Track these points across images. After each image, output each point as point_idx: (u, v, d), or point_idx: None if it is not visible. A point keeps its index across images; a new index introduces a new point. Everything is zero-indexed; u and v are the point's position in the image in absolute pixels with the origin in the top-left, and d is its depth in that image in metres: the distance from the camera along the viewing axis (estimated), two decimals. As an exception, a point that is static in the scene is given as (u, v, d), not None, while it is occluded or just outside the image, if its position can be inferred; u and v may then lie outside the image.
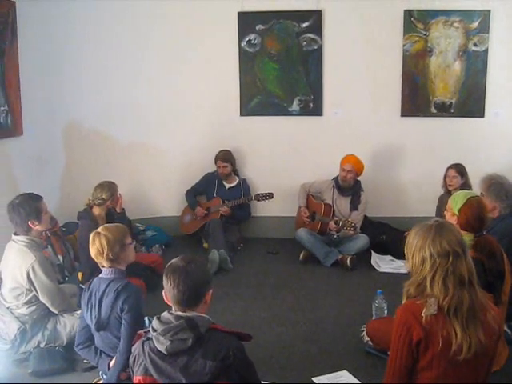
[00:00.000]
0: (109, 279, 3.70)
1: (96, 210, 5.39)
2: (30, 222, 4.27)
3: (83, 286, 5.05)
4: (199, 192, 7.10)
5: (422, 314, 2.57)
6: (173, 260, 2.79)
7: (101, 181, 5.51)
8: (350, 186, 6.50)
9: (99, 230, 3.73)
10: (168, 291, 2.72)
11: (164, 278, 2.74)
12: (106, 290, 3.66)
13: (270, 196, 6.68)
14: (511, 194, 4.63)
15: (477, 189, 5.04)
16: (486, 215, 3.87)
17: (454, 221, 3.78)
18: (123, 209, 5.68)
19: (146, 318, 3.86)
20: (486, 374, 2.71)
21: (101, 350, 3.78)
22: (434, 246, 2.62)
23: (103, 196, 5.39)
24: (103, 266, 3.73)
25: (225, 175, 6.93)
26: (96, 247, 3.66)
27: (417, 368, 2.64)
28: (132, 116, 6.93)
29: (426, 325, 2.56)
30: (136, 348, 2.75)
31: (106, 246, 3.64)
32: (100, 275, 3.76)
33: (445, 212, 4.01)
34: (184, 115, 7.06)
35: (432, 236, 2.64)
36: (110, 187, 5.45)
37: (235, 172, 7.08)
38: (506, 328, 4.10)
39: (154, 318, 2.74)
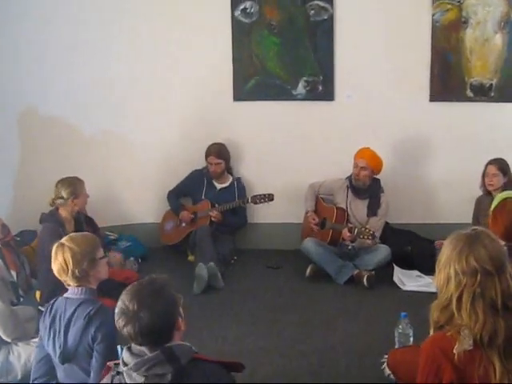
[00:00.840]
0: (78, 300, 3.63)
1: (63, 212, 5.38)
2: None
3: (42, 308, 5.03)
4: (184, 193, 7.11)
5: (454, 351, 2.52)
6: (122, 295, 2.70)
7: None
8: (365, 186, 6.51)
9: (63, 240, 3.65)
10: (123, 334, 2.67)
11: (115, 319, 2.68)
12: (74, 313, 3.59)
13: (270, 198, 6.67)
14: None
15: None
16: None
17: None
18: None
19: (119, 347, 3.83)
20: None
21: (65, 387, 3.74)
22: (459, 262, 2.58)
23: (62, 193, 5.37)
24: (69, 285, 3.67)
25: (217, 174, 6.93)
26: (59, 262, 3.58)
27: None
28: (103, 100, 6.91)
29: (459, 364, 2.51)
30: (104, 384, 2.72)
31: (71, 261, 3.56)
32: (66, 294, 3.69)
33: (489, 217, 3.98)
34: (166, 100, 7.05)
35: (459, 249, 2.60)
36: (71, 183, 5.44)
37: (229, 170, 7.08)
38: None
39: (124, 348, 2.69)
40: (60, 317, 3.63)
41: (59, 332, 3.61)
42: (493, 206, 3.76)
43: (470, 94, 6.78)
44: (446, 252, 2.66)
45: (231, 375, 2.72)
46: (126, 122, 7.05)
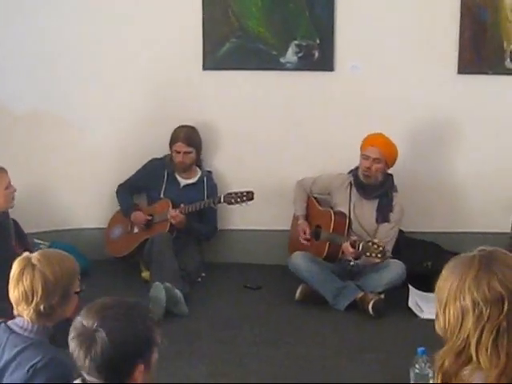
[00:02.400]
0: (25, 340, 3.54)
1: None
2: None
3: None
4: (138, 189, 7.14)
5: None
6: (84, 310, 2.71)
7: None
8: (376, 183, 6.51)
9: (35, 259, 3.52)
10: (79, 367, 2.68)
11: (70, 348, 2.69)
12: (15, 358, 3.52)
13: (249, 197, 6.62)
14: None
15: None
16: None
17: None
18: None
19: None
20: None
21: None
22: (479, 288, 2.54)
23: None
24: (19, 315, 3.59)
25: (184, 166, 6.93)
26: (23, 289, 3.44)
27: None
28: (34, 74, 6.90)
29: None
30: None
31: (39, 292, 3.44)
32: (12, 323, 3.58)
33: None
34: (117, 72, 7.05)
35: (474, 273, 2.57)
36: None
37: (198, 162, 7.08)
38: None
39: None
40: None
41: None
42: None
43: (510, 64, 6.83)
44: (452, 281, 2.60)
45: None
46: (65, 100, 7.04)
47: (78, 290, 3.64)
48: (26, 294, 3.42)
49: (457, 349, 2.55)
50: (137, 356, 2.69)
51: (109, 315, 2.66)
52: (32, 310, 3.44)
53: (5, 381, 3.45)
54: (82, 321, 2.65)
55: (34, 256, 3.49)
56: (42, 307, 3.42)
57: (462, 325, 2.53)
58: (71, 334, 2.66)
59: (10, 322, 3.55)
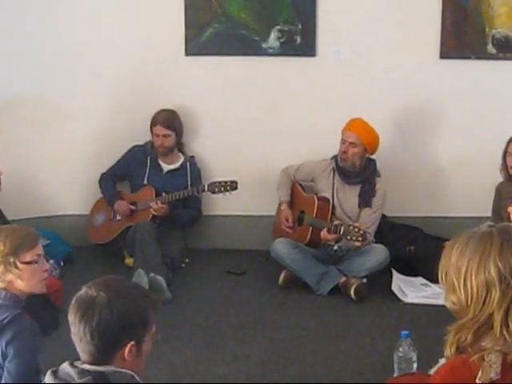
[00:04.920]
0: None
1: None
2: None
3: None
4: (121, 176, 7.13)
5: (477, 381, 2.50)
6: (84, 287, 2.75)
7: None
8: (354, 167, 6.52)
9: None
10: (72, 334, 2.70)
11: (69, 315, 2.71)
12: None
13: (233, 186, 6.62)
14: None
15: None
16: None
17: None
18: None
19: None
20: None
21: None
22: (505, 262, 2.53)
23: None
24: None
25: (164, 149, 6.92)
26: None
27: None
28: (18, 59, 6.88)
29: None
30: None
31: None
32: None
33: (509, 208, 4.03)
34: (98, 57, 7.03)
35: (498, 247, 2.57)
36: None
37: (179, 147, 7.08)
38: None
39: (48, 371, 2.71)
40: None
41: None
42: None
43: (492, 49, 6.85)
44: (471, 255, 2.61)
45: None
46: (47, 84, 7.02)
47: (30, 261, 3.68)
48: None
49: (480, 322, 2.55)
50: (130, 332, 2.73)
51: (112, 286, 2.73)
52: None
53: None
54: (83, 292, 2.71)
55: None
56: None
57: (486, 298, 2.54)
58: (72, 306, 2.70)
59: None
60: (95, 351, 2.65)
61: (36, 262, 3.73)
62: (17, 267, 3.66)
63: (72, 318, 2.67)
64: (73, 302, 2.71)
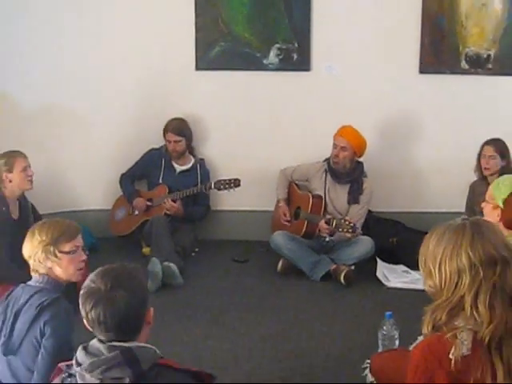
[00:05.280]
0: (35, 288, 3.65)
1: (6, 192, 5.37)
2: None
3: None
4: (139, 176, 7.12)
5: (451, 356, 2.51)
6: (90, 276, 2.71)
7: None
8: (345, 169, 6.53)
9: (36, 224, 3.77)
10: (87, 321, 2.68)
11: (80, 302, 2.69)
12: (27, 301, 3.61)
13: (236, 184, 6.64)
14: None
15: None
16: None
17: (495, 216, 3.79)
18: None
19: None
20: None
21: (3, 384, 3.74)
22: (475, 251, 2.55)
23: None
24: (34, 271, 3.71)
25: (177, 153, 6.91)
26: (26, 246, 3.69)
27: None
28: (47, 72, 6.86)
29: (455, 371, 2.49)
30: (53, 388, 2.73)
31: (28, 246, 3.66)
32: (29, 282, 3.72)
33: (482, 204, 4.02)
34: (119, 70, 7.02)
35: (469, 238, 2.58)
36: (5, 155, 5.41)
37: (190, 150, 7.07)
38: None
39: (80, 347, 2.70)
40: (13, 303, 3.65)
41: (8, 320, 3.62)
42: (505, 195, 3.80)
43: (465, 65, 6.85)
44: (446, 244, 2.62)
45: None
46: (74, 94, 7.00)
47: (68, 251, 3.68)
48: (26, 250, 3.66)
49: (452, 304, 2.59)
50: (144, 311, 2.73)
51: (119, 274, 2.70)
52: (31, 262, 3.64)
53: (19, 320, 3.56)
54: (94, 281, 2.66)
55: (37, 223, 3.79)
56: (31, 259, 3.62)
57: (458, 283, 2.57)
58: (86, 299, 2.65)
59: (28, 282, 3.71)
60: (123, 333, 2.66)
61: (74, 253, 3.73)
62: (56, 256, 3.66)
63: (92, 313, 2.62)
64: (84, 298, 2.66)
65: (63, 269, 3.69)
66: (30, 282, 3.70)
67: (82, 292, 2.67)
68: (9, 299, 3.69)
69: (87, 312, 2.63)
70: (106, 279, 2.65)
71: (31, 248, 3.66)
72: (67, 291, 4.81)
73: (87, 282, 2.68)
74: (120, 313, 2.61)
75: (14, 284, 3.83)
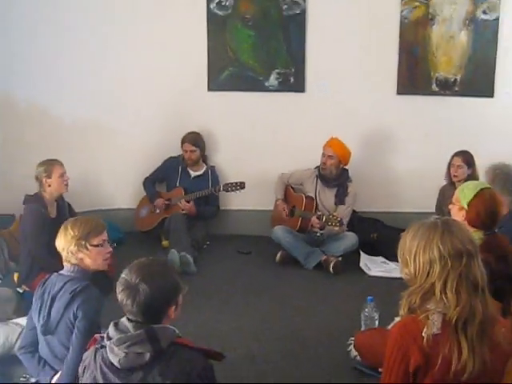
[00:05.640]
0: (67, 277, 3.69)
1: (45, 195, 5.37)
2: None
3: (20, 290, 5.03)
4: (159, 180, 7.11)
5: (423, 334, 2.52)
6: (127, 269, 2.73)
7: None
8: (332, 175, 6.54)
9: (67, 221, 3.78)
10: (121, 305, 2.70)
11: (117, 290, 2.71)
12: (61, 289, 3.64)
13: (242, 186, 6.67)
14: (520, 186, 4.68)
15: (484, 180, 5.08)
16: (500, 210, 3.90)
17: (461, 216, 3.80)
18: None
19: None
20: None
21: (44, 360, 3.75)
22: (445, 245, 2.57)
23: (36, 173, 5.35)
24: (66, 262, 3.73)
25: (192, 161, 6.91)
26: (59, 240, 3.71)
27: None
28: (81, 90, 6.85)
29: (427, 347, 2.51)
30: (87, 356, 2.74)
31: (62, 241, 3.67)
32: (61, 271, 3.75)
33: (450, 206, 4.03)
34: (143, 89, 7.01)
35: (440, 234, 2.60)
36: (45, 163, 5.40)
37: (203, 159, 7.07)
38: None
39: (111, 323, 2.72)
40: (49, 290, 3.68)
41: (45, 304, 3.66)
42: (469, 198, 3.81)
43: (435, 88, 6.86)
44: (420, 239, 2.64)
45: (209, 363, 2.73)
46: (104, 111, 7.00)
47: (97, 244, 3.70)
48: (59, 243, 3.68)
49: (425, 290, 2.60)
50: (169, 300, 2.73)
51: (148, 272, 2.69)
52: (64, 255, 3.66)
53: (55, 304, 3.60)
54: (127, 274, 2.68)
55: (69, 220, 3.78)
56: (65, 252, 3.65)
57: (429, 272, 2.58)
58: (119, 288, 2.68)
59: (60, 271, 3.74)
60: (147, 319, 2.67)
61: (101, 246, 3.75)
62: (86, 248, 3.67)
63: (124, 301, 2.65)
64: (120, 289, 2.68)
65: (92, 259, 3.71)
66: (62, 271, 3.73)
67: (118, 282, 2.70)
68: (45, 286, 3.73)
69: (121, 299, 2.66)
70: (136, 274, 2.66)
71: (64, 242, 3.68)
72: (97, 278, 4.85)
73: (124, 275, 2.71)
74: (142, 303, 2.63)
75: (50, 273, 3.85)
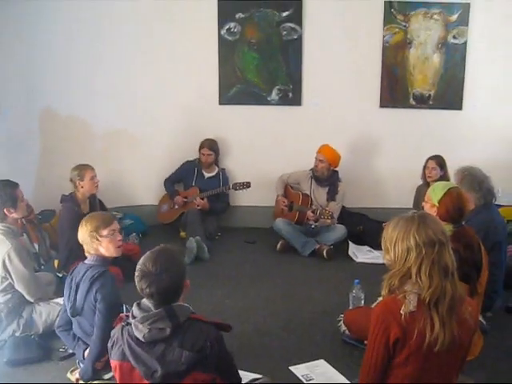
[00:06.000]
0: (89, 265, 3.72)
1: (78, 194, 5.40)
2: (5, 210, 4.24)
3: (59, 274, 5.05)
4: (178, 180, 7.08)
5: (401, 312, 2.53)
6: (143, 259, 2.70)
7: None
8: (324, 176, 6.52)
9: (84, 218, 3.79)
10: (141, 293, 2.68)
11: (136, 280, 2.68)
12: (83, 276, 3.67)
13: (248, 185, 6.68)
14: (484, 185, 4.66)
15: (454, 181, 5.07)
16: (466, 206, 3.92)
17: (433, 212, 3.80)
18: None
19: (124, 307, 3.84)
20: (459, 367, 2.72)
21: (78, 337, 3.78)
22: (420, 235, 2.58)
23: (71, 176, 5.37)
24: (88, 253, 3.75)
25: (208, 164, 6.90)
26: (79, 235, 3.73)
27: (392, 364, 2.62)
28: (112, 104, 6.84)
29: (405, 323, 2.52)
30: (115, 332, 2.75)
31: (80, 235, 3.72)
32: (85, 260, 3.78)
33: (423, 203, 4.04)
34: (164, 103, 6.98)
35: (416, 225, 2.61)
36: (78, 167, 5.43)
37: (216, 162, 7.06)
38: (480, 318, 4.14)
39: (135, 303, 2.72)
40: (76, 278, 3.71)
41: (73, 290, 3.71)
42: (439, 197, 3.83)
43: (412, 102, 6.84)
44: (399, 230, 2.65)
45: (220, 333, 2.74)
46: (132, 122, 6.98)
47: (107, 234, 3.71)
48: (79, 238, 3.73)
49: (402, 273, 2.62)
50: (183, 281, 2.72)
51: (164, 259, 2.67)
52: (85, 247, 3.73)
53: (79, 290, 3.67)
54: (146, 265, 2.64)
55: (85, 217, 3.82)
56: (85, 244, 3.72)
57: (407, 258, 2.60)
58: (138, 278, 2.65)
59: (84, 261, 3.80)
60: (167, 301, 2.66)
61: (111, 235, 3.76)
62: (97, 239, 3.70)
63: (144, 288, 2.63)
64: (139, 278, 2.64)
65: (105, 248, 3.73)
66: (85, 261, 3.77)
67: (137, 273, 2.67)
68: (73, 274, 3.78)
69: (142, 288, 2.64)
70: (155, 264, 2.63)
71: (82, 235, 3.71)
72: (123, 263, 4.87)
73: (141, 265, 2.67)
74: (165, 289, 2.62)
75: (79, 262, 3.88)
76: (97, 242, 3.70)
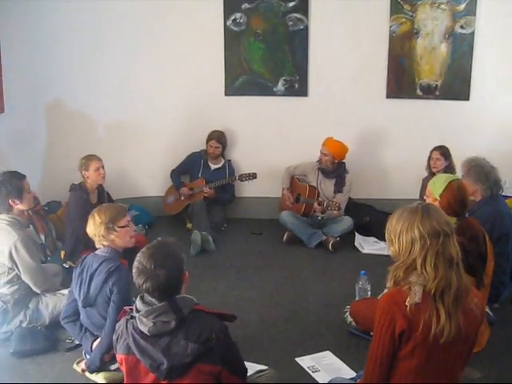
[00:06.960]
0: (102, 257, 3.73)
1: (88, 184, 5.43)
2: (10, 201, 4.25)
3: (65, 265, 5.06)
4: (184, 172, 7.07)
5: (406, 303, 2.53)
6: (139, 256, 2.68)
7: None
8: (328, 168, 6.50)
9: (94, 210, 3.80)
10: (140, 289, 2.68)
11: (133, 276, 2.68)
12: (98, 268, 3.69)
13: (254, 176, 6.67)
14: (491, 176, 4.66)
15: (460, 172, 5.06)
16: (468, 198, 3.91)
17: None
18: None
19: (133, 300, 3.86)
20: (466, 358, 2.71)
21: (85, 328, 3.80)
22: (424, 226, 2.57)
23: (78, 166, 5.40)
24: (100, 244, 3.77)
25: (215, 156, 6.89)
26: (89, 227, 3.75)
27: (398, 357, 2.61)
28: (118, 96, 6.83)
29: (410, 314, 2.52)
30: (120, 326, 2.75)
31: (92, 227, 3.72)
32: (96, 252, 3.79)
33: (424, 197, 4.03)
34: (169, 94, 6.97)
35: (420, 217, 2.60)
36: (85, 157, 5.46)
37: (222, 154, 7.05)
38: (487, 309, 4.14)
39: (138, 297, 2.72)
40: (87, 269, 3.74)
41: (84, 281, 3.72)
42: (440, 191, 3.82)
43: (419, 92, 6.80)
44: (403, 221, 2.64)
45: (224, 324, 2.74)
46: (138, 114, 6.98)
47: (123, 225, 3.75)
48: (90, 230, 3.75)
49: (407, 264, 2.61)
50: (182, 273, 2.72)
51: (159, 255, 2.66)
52: (96, 238, 3.73)
53: (93, 281, 3.68)
54: (141, 262, 2.64)
55: (95, 209, 3.81)
56: (96, 236, 3.71)
57: (412, 249, 2.59)
58: (136, 274, 2.65)
59: (95, 252, 3.80)
60: (168, 296, 2.66)
61: (127, 226, 3.78)
62: (115, 230, 3.70)
63: (142, 284, 2.63)
64: (136, 274, 2.64)
65: (122, 239, 3.74)
66: (97, 252, 3.78)
67: (134, 270, 2.67)
68: (83, 265, 3.78)
69: (140, 285, 2.64)
70: (151, 260, 2.62)
71: (94, 228, 3.70)
72: (130, 254, 4.86)
73: (137, 262, 2.66)
74: (163, 284, 2.62)
75: (90, 249, 3.89)
76: (115, 234, 3.72)
